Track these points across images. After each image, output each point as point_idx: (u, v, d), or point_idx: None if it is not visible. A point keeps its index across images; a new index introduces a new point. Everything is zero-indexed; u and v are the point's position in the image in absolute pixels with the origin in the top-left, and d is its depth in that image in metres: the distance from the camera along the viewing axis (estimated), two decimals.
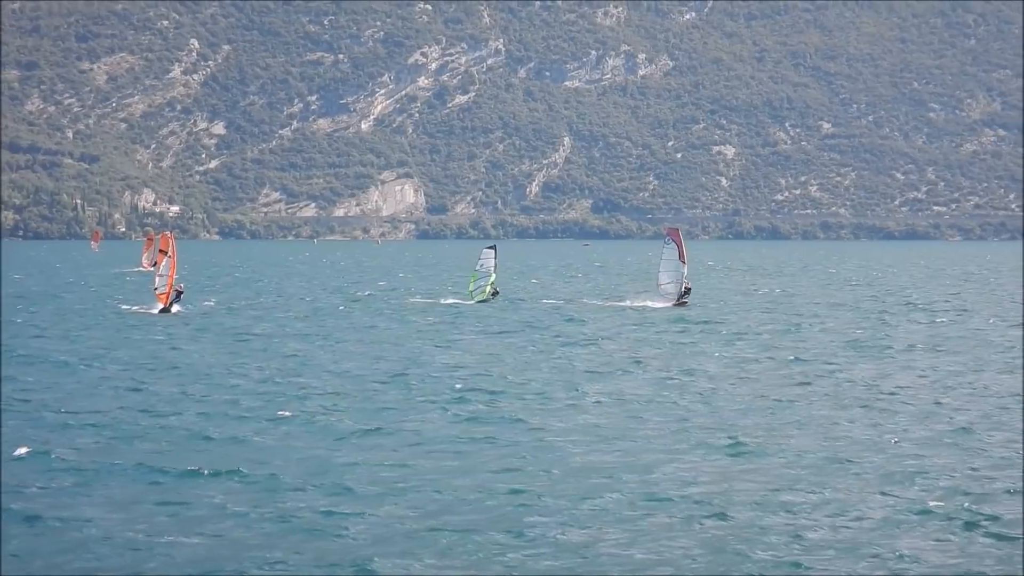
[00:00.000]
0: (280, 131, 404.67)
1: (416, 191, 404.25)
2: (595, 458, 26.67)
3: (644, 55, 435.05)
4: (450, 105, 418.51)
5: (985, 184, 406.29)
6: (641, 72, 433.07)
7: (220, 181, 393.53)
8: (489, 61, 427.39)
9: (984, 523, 21.38)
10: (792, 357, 45.24)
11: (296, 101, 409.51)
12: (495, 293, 74.66)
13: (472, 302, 73.23)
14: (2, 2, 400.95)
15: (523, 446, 27.97)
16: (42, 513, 21.81)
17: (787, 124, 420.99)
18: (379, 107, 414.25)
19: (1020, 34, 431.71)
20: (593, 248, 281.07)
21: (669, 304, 69.98)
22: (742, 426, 30.48)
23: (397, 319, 63.69)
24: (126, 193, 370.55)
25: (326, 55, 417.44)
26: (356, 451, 27.31)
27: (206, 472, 24.92)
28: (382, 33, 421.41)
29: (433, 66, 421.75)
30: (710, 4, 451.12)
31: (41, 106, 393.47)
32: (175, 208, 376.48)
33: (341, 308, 72.59)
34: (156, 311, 65.00)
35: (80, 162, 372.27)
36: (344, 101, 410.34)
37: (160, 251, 66.28)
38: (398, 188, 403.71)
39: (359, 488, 23.68)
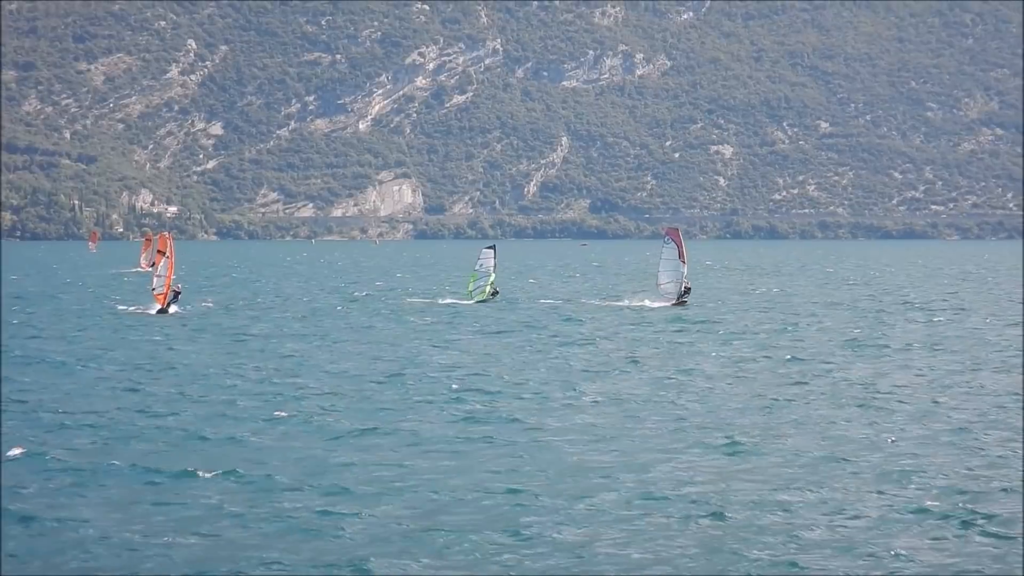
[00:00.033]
0: (278, 131, 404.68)
1: (414, 191, 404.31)
2: (592, 458, 26.67)
3: (642, 55, 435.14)
4: (448, 105, 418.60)
5: (983, 183, 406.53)
6: (639, 72, 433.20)
7: (218, 181, 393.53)
8: (487, 61, 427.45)
9: (981, 522, 21.38)
10: (789, 356, 45.25)
11: (294, 101, 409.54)
12: (495, 293, 74.62)
13: (471, 302, 73.18)
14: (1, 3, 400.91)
15: (520, 446, 27.97)
16: (39, 513, 21.80)
17: (785, 124, 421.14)
18: (377, 107, 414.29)
19: (1018, 33, 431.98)
20: (591, 248, 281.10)
21: (668, 304, 69.97)
22: (739, 425, 30.48)
23: (395, 319, 63.68)
24: (124, 193, 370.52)
25: (323, 55, 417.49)
26: (353, 451, 27.31)
27: (203, 472, 24.91)
28: (379, 33, 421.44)
29: (431, 66, 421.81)
30: (708, 4, 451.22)
31: (38, 107, 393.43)
32: (173, 208, 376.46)
33: (339, 308, 72.58)
34: (154, 312, 64.99)
35: (78, 163, 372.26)
36: (342, 101, 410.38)
37: (158, 251, 66.28)
38: (396, 188, 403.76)
39: (356, 488, 23.68)
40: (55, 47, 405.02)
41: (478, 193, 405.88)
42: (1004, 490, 23.66)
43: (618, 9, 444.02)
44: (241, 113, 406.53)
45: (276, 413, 32.07)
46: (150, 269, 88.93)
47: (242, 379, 39.03)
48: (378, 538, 20.43)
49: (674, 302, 69.85)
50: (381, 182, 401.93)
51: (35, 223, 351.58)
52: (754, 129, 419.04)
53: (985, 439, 28.80)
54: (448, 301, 75.74)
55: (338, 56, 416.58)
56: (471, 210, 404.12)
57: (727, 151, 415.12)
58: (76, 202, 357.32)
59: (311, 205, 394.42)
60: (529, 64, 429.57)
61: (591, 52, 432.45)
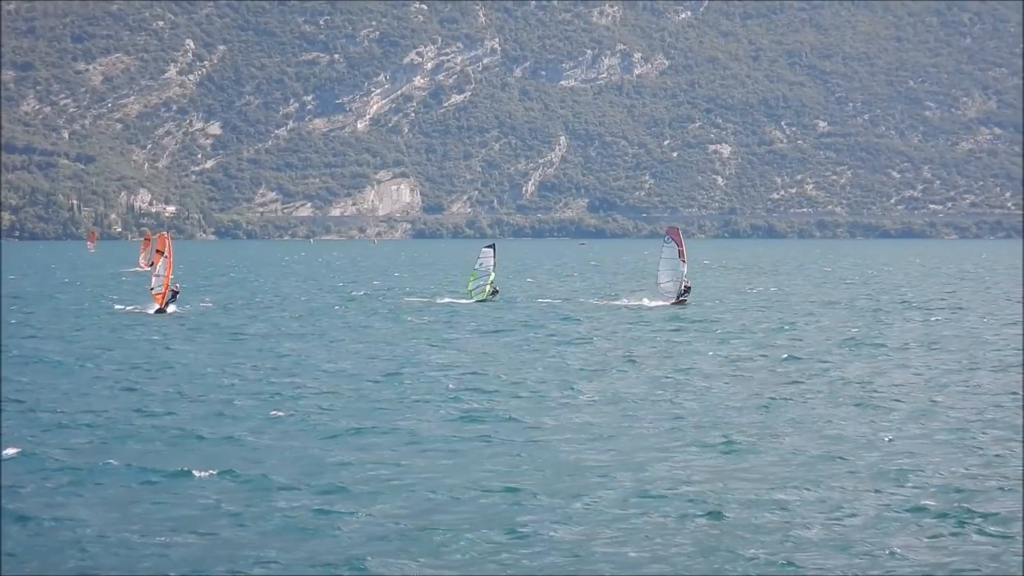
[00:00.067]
0: (276, 131, 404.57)
1: (412, 190, 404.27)
2: (589, 456, 26.68)
3: (640, 54, 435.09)
4: (446, 104, 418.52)
5: (981, 182, 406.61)
6: (637, 71, 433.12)
7: (216, 181, 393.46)
8: (485, 60, 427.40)
9: (977, 521, 21.39)
10: (786, 355, 45.26)
11: (292, 101, 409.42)
12: (495, 292, 74.58)
13: (469, 301, 73.15)
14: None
15: (517, 445, 27.98)
16: (36, 513, 21.80)
17: (783, 123, 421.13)
18: (375, 107, 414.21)
19: (1016, 32, 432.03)
20: (589, 247, 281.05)
21: (667, 302, 69.99)
22: (736, 424, 30.50)
23: (392, 318, 63.69)
24: (122, 193, 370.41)
25: (322, 55, 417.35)
26: (350, 450, 27.31)
27: (200, 472, 24.91)
28: (378, 33, 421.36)
29: (429, 66, 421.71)
30: (706, 3, 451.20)
31: (37, 107, 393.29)
32: (171, 208, 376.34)
33: (336, 308, 72.57)
34: (152, 311, 65.00)
35: (76, 162, 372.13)
36: (340, 101, 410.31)
37: (157, 251, 66.30)
38: (394, 188, 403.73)
39: (353, 487, 23.69)
40: (53, 47, 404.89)
41: (476, 192, 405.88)
42: (1001, 489, 23.68)
43: (616, 9, 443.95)
44: (239, 113, 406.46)
45: (273, 412, 32.08)
46: (149, 269, 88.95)
47: (240, 378, 39.03)
48: (375, 537, 20.44)
49: (673, 301, 69.88)
50: (379, 181, 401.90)
51: (33, 223, 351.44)
52: (752, 128, 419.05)
53: (982, 438, 28.82)
54: (446, 300, 75.73)
55: (336, 56, 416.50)
56: (469, 209, 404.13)
57: (725, 150, 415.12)
58: (74, 202, 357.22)
59: (309, 205, 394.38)
60: (527, 63, 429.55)
61: (589, 51, 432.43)
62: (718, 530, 20.89)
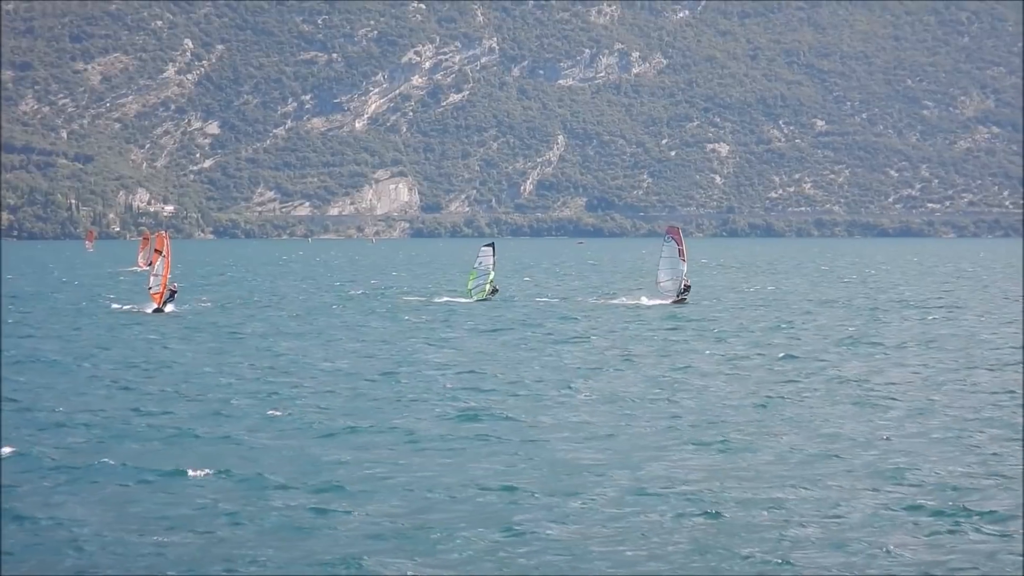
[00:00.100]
0: (274, 130, 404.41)
1: (410, 190, 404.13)
2: (586, 455, 26.68)
3: (638, 53, 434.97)
4: (444, 104, 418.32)
5: (979, 181, 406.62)
6: (635, 70, 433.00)
7: (214, 180, 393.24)
8: (483, 60, 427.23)
9: (975, 519, 21.39)
10: (784, 354, 45.26)
11: (290, 100, 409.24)
12: (494, 291, 74.57)
13: (468, 300, 73.14)
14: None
15: (514, 444, 27.98)
16: (33, 512, 21.79)
17: (781, 122, 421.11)
18: (373, 106, 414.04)
19: (1014, 31, 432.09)
20: (587, 246, 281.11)
21: (667, 301, 70.00)
22: (733, 423, 30.50)
23: (390, 317, 63.68)
24: (120, 193, 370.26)
25: (320, 54, 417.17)
26: (347, 449, 27.31)
27: (196, 471, 24.90)
28: (376, 32, 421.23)
29: (427, 65, 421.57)
30: (703, 3, 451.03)
31: (35, 106, 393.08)
32: (169, 208, 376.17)
33: (334, 307, 72.55)
34: (150, 310, 65.00)
35: (74, 162, 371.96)
36: (338, 100, 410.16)
37: (155, 251, 66.31)
38: (392, 187, 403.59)
39: (350, 486, 23.69)
40: (52, 47, 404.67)
41: (474, 191, 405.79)
42: (998, 487, 23.67)
43: (614, 8, 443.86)
44: (238, 112, 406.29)
45: (270, 411, 32.07)
46: (147, 268, 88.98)
47: (237, 377, 39.02)
48: (372, 536, 20.43)
49: (673, 299, 69.90)
50: (377, 181, 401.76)
51: (32, 222, 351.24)
52: (750, 127, 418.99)
53: (979, 437, 28.82)
54: (444, 299, 75.73)
55: (334, 55, 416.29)
56: (467, 208, 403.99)
57: (723, 149, 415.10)
58: (73, 201, 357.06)
59: (308, 204, 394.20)
60: (525, 63, 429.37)
61: (587, 51, 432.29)
62: (715, 529, 20.89)
